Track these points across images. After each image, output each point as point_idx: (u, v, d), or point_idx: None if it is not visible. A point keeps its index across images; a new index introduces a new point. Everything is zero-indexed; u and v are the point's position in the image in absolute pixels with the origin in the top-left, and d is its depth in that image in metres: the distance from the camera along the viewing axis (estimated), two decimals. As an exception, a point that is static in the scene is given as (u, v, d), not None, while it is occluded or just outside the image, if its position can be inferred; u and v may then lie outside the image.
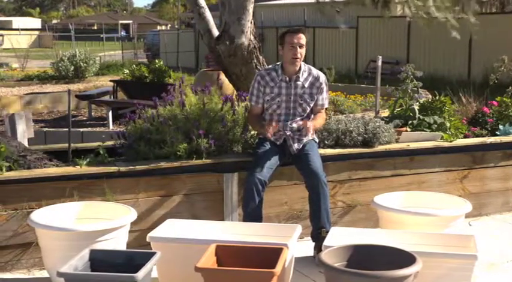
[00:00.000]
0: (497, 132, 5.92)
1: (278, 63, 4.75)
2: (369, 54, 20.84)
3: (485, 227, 5.28)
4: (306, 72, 4.71)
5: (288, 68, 4.67)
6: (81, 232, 3.76)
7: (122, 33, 60.57)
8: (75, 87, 18.13)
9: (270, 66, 4.79)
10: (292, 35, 4.61)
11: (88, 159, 4.51)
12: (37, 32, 48.94)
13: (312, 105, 4.72)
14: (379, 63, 6.96)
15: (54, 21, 72.36)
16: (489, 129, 6.00)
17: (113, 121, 10.93)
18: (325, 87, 4.76)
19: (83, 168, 4.42)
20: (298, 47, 4.58)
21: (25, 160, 4.45)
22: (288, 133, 4.65)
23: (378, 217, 5.04)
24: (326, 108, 4.93)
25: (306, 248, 4.55)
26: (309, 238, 4.59)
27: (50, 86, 18.48)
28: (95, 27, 69.74)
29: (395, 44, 19.85)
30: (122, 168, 4.44)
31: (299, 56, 4.59)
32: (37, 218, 3.88)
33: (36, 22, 63.22)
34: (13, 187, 4.19)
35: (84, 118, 12.43)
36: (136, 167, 4.49)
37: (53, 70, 19.71)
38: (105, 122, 11.32)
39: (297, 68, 4.67)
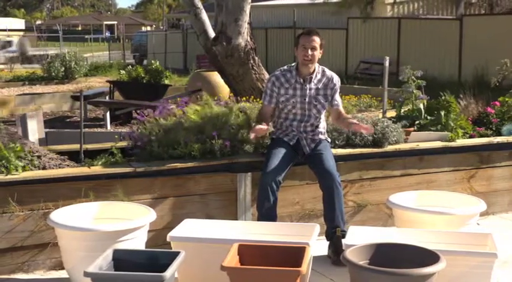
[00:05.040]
0: (502, 133, 5.97)
1: (293, 64, 4.77)
2: (359, 55, 20.92)
3: (493, 226, 5.31)
4: (319, 73, 4.74)
5: (301, 69, 4.69)
6: (103, 232, 3.75)
7: (107, 34, 60.27)
8: (65, 88, 18.06)
9: (285, 67, 4.80)
10: (305, 36, 4.65)
11: (103, 160, 4.51)
12: (22, 33, 48.53)
13: (326, 106, 4.75)
14: (387, 64, 6.99)
15: (38, 21, 71.78)
16: (494, 129, 6.05)
17: (110, 122, 10.89)
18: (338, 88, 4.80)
19: (98, 168, 4.41)
20: (309, 49, 4.60)
21: (40, 160, 4.44)
22: (302, 133, 4.68)
23: (387, 216, 5.10)
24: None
25: (320, 247, 4.57)
26: (322, 237, 4.61)
27: (40, 87, 18.39)
28: (79, 28, 69.40)
29: (385, 45, 19.92)
30: (138, 169, 4.44)
31: (310, 57, 4.62)
32: (57, 218, 3.86)
33: (20, 23, 62.70)
34: (29, 187, 4.17)
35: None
36: (152, 167, 4.49)
37: (42, 71, 19.61)
38: (101, 123, 11.27)
39: (311, 70, 4.70)
